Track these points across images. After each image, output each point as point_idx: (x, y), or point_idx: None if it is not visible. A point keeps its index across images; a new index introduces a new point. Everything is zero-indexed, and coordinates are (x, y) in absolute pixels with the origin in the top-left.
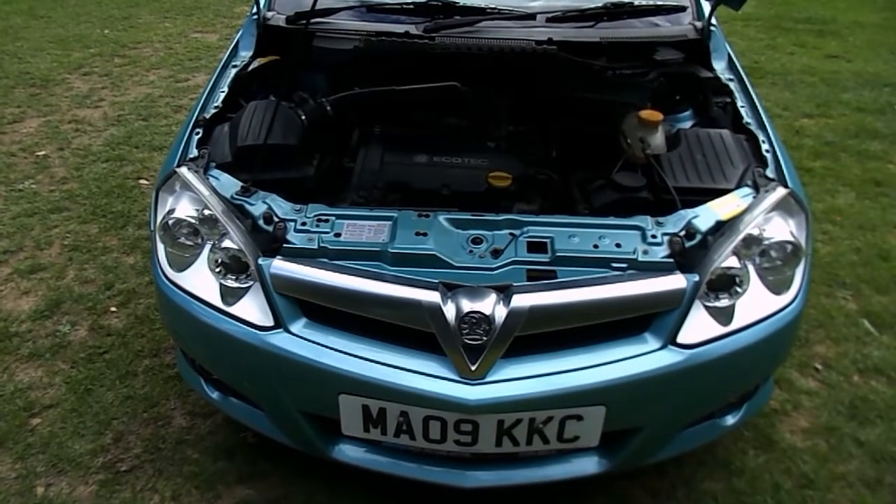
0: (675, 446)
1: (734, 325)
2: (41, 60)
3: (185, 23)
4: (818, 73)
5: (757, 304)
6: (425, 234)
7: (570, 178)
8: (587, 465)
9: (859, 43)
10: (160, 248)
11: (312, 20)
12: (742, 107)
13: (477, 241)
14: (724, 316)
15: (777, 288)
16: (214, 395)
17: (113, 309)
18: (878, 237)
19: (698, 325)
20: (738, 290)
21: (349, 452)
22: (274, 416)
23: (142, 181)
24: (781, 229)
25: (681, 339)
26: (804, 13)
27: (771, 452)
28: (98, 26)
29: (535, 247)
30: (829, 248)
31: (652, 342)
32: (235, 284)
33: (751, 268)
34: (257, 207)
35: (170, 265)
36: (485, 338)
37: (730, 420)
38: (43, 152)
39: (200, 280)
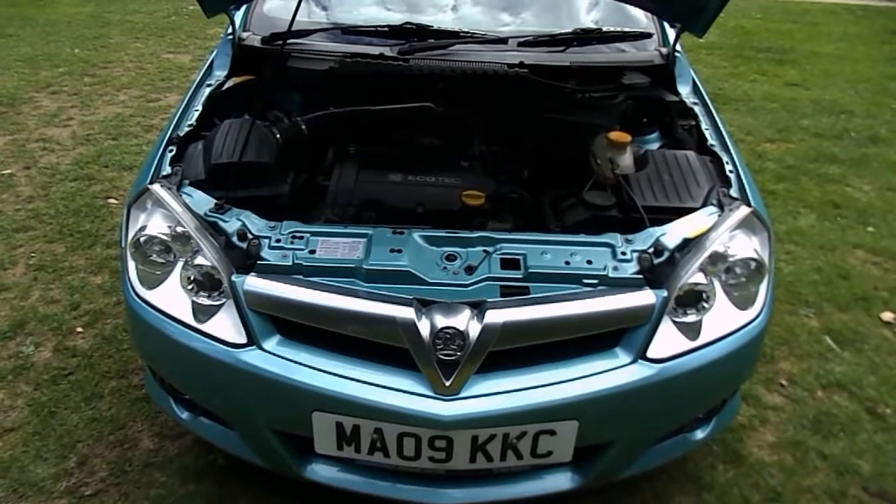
0: (646, 461)
1: (702, 340)
2: (8, 79)
3: (158, 43)
4: (779, 100)
5: (723, 319)
6: (400, 251)
7: (541, 197)
8: (560, 481)
9: (816, 72)
10: (131, 265)
11: (288, 41)
12: (706, 129)
13: (451, 258)
14: (692, 331)
15: (742, 303)
16: (184, 415)
17: (79, 329)
18: (839, 257)
19: (667, 340)
20: (705, 305)
21: (322, 472)
22: (246, 435)
23: (111, 200)
24: (745, 247)
25: (651, 353)
26: (764, 43)
27: (739, 467)
28: (68, 45)
29: (509, 263)
30: (792, 267)
31: (623, 357)
32: (208, 302)
33: (717, 284)
34: (231, 224)
35: (140, 283)
36: (459, 353)
37: (699, 434)
38: (8, 171)
39: (172, 297)
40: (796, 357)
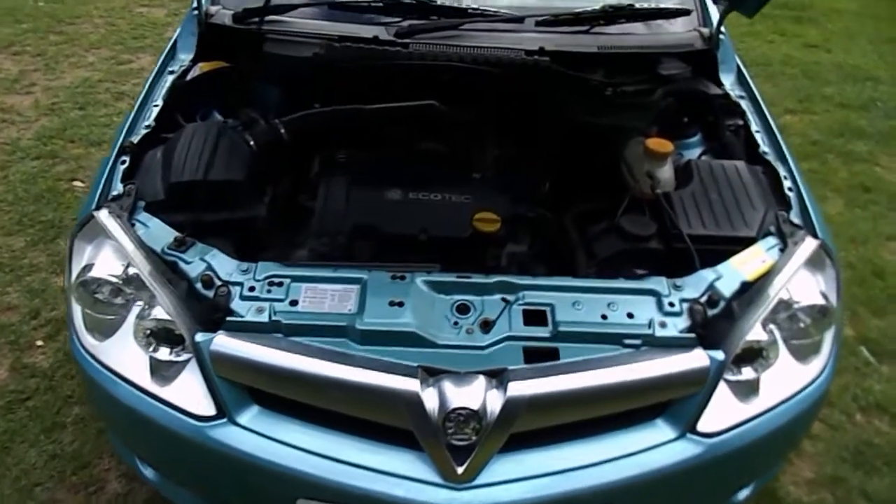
0: None
1: (760, 406)
2: None
3: None
4: (799, 65)
5: (783, 375)
6: (401, 305)
7: (565, 217)
8: None
9: (837, 31)
10: (76, 310)
11: (265, 18)
12: (757, 132)
13: (463, 309)
14: (748, 393)
15: (804, 356)
16: (150, 474)
17: (39, 343)
18: (871, 251)
19: (720, 407)
20: (765, 362)
21: None
22: None
23: (76, 183)
24: (810, 289)
25: (701, 426)
26: None
27: None
28: None
29: (533, 317)
30: None
31: (666, 430)
32: (169, 357)
33: (777, 335)
34: (194, 266)
35: (89, 331)
36: (474, 437)
37: (741, 495)
38: None
39: (127, 351)
40: None
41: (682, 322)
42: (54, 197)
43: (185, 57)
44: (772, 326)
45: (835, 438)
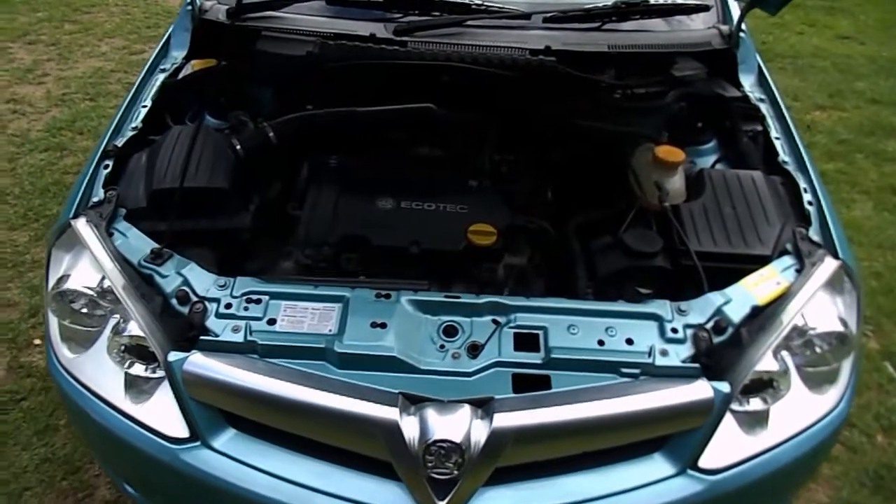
0: None
1: (768, 440)
2: None
3: None
4: (830, 57)
5: (795, 406)
6: (384, 326)
7: (567, 228)
8: None
9: (871, 22)
10: (52, 322)
11: (259, 14)
12: (777, 139)
13: (451, 331)
14: (755, 425)
15: (819, 385)
16: (132, 490)
17: (36, 342)
18: None
19: (724, 441)
20: (775, 392)
21: None
22: None
23: None
24: (828, 313)
25: (703, 462)
26: None
27: None
28: None
29: (524, 341)
30: None
31: (665, 466)
32: (145, 374)
33: (790, 363)
34: (170, 280)
35: (65, 343)
36: (456, 471)
37: None
38: None
39: (102, 366)
40: None
41: (686, 350)
42: (60, 191)
43: (177, 54)
44: (784, 353)
45: (853, 461)
